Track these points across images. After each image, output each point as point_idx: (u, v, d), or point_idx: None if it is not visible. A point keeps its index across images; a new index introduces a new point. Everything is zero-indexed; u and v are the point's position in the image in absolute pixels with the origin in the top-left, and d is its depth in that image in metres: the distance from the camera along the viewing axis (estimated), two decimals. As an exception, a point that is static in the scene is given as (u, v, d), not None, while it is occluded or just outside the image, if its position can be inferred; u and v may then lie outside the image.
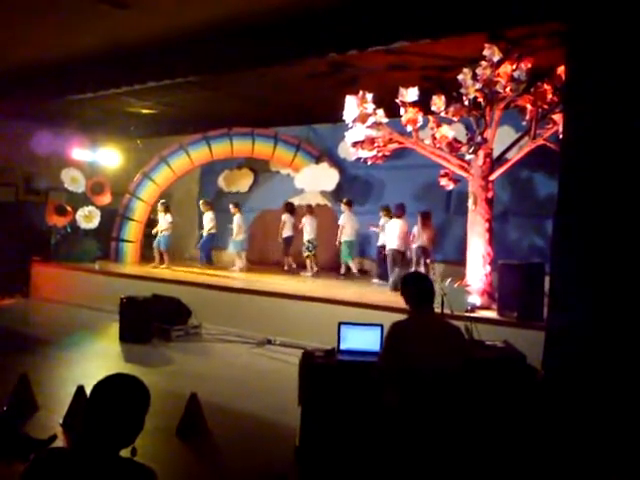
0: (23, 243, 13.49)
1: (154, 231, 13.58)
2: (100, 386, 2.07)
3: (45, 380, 6.78)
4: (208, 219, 13.68)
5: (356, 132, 9.48)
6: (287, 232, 13.23)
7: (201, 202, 14.09)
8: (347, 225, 12.47)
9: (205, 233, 13.75)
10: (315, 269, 12.90)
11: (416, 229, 11.05)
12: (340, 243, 12.52)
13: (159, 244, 13.43)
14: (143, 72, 9.52)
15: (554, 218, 5.39)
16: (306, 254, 12.98)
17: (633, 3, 4.79)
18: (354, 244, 12.71)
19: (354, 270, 12.60)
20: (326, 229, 13.64)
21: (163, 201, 13.74)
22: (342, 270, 12.79)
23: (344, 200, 12.75)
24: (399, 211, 11.32)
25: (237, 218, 13.45)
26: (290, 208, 13.44)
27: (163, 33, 8.32)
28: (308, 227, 12.95)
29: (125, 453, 2.06)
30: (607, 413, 4.37)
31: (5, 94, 11.57)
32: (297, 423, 4.94)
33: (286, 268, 13.41)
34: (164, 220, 13.37)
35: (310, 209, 13.34)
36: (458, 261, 10.21)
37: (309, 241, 12.92)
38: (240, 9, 7.40)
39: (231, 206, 13.61)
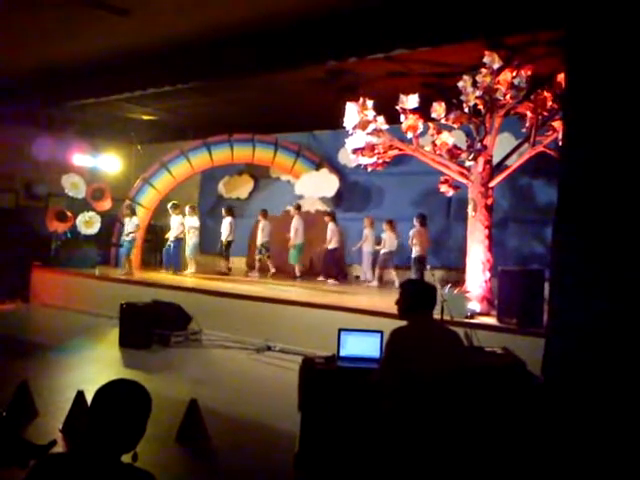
0: (24, 248, 13.49)
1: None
2: (102, 391, 2.08)
3: (45, 385, 6.77)
4: (177, 223, 13.25)
5: (356, 139, 9.50)
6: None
7: (169, 205, 13.49)
8: (299, 229, 12.94)
9: (172, 238, 13.26)
10: (272, 270, 13.40)
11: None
12: (293, 247, 13.02)
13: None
14: (144, 78, 9.58)
15: (553, 224, 5.40)
16: (258, 257, 13.47)
17: (631, 9, 4.81)
18: (303, 248, 13.16)
19: (297, 273, 13.07)
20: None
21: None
22: (297, 272, 13.15)
23: (295, 206, 13.29)
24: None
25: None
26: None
27: (163, 40, 8.39)
28: (262, 231, 13.37)
29: (127, 458, 2.07)
30: (607, 419, 4.37)
31: (6, 100, 11.62)
32: (297, 429, 4.93)
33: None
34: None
35: (264, 213, 13.58)
36: (458, 267, 10.22)
37: (262, 244, 13.36)
38: (240, 17, 7.47)
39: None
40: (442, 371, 3.58)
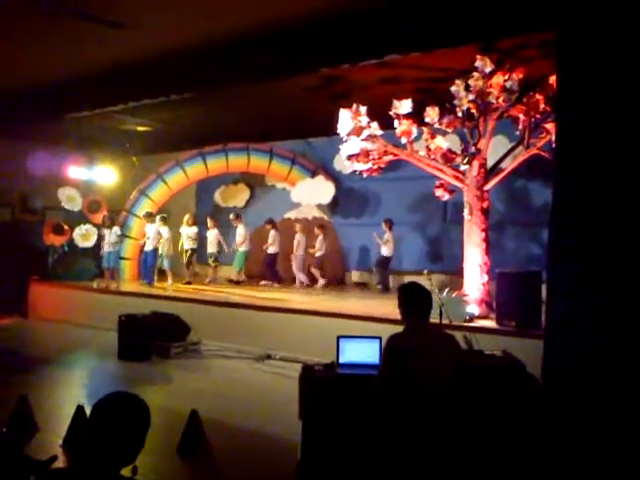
0: (21, 262, 13.48)
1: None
2: (100, 405, 2.08)
3: (44, 400, 6.75)
4: (153, 233, 13.03)
5: (351, 145, 9.52)
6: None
7: (143, 214, 13.41)
8: (245, 237, 13.48)
9: (149, 248, 13.02)
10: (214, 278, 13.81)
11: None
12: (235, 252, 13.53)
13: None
14: (136, 90, 9.59)
15: (549, 226, 5.41)
16: (215, 264, 13.86)
17: (624, 9, 4.83)
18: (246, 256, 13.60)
19: (234, 279, 13.59)
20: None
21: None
22: (242, 277, 13.76)
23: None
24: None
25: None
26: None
27: (155, 51, 8.41)
28: (213, 239, 13.77)
29: (127, 472, 2.07)
30: (608, 421, 4.37)
31: (1, 115, 11.63)
32: (298, 437, 4.92)
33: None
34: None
35: (213, 220, 13.95)
36: (455, 271, 10.23)
37: (212, 253, 13.74)
38: (230, 27, 7.49)
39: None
40: (439, 375, 3.58)
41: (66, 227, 13.90)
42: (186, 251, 13.54)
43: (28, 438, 5.48)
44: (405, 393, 3.62)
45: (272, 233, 13.37)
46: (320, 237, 13.19)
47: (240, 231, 13.47)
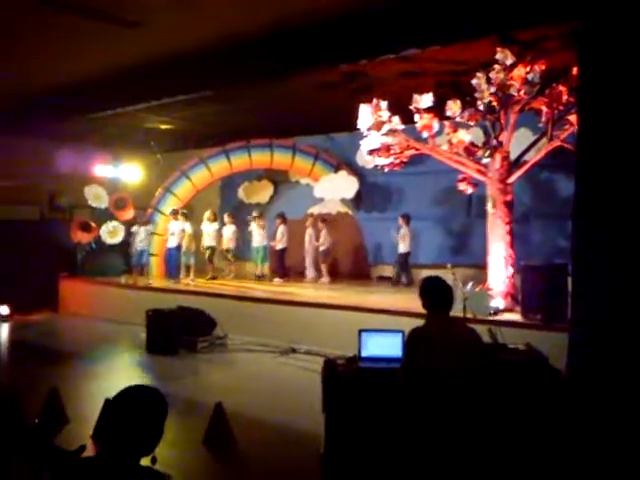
0: (50, 260, 13.75)
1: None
2: (118, 398, 2.15)
3: (75, 393, 6.92)
4: (177, 230, 13.22)
5: (371, 140, 9.53)
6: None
7: (169, 211, 13.67)
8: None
9: (173, 244, 13.23)
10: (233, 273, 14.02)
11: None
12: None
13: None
14: (158, 88, 9.71)
15: (572, 218, 5.39)
16: (232, 260, 14.09)
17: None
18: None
19: (259, 274, 13.67)
20: (347, 236, 13.83)
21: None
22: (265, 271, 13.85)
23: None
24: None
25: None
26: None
27: (175, 50, 8.48)
28: (231, 235, 13.95)
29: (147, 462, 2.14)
30: (632, 415, 4.35)
31: (29, 115, 11.87)
32: (322, 430, 4.98)
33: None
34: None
35: (231, 217, 14.10)
36: (481, 265, 10.19)
37: (229, 249, 13.96)
38: (249, 23, 7.53)
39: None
40: (459, 368, 3.61)
41: (93, 225, 14.14)
42: (207, 248, 13.67)
43: (59, 429, 5.62)
44: (426, 385, 3.65)
45: (281, 228, 13.42)
46: (324, 231, 13.21)
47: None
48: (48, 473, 2.33)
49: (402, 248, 12.31)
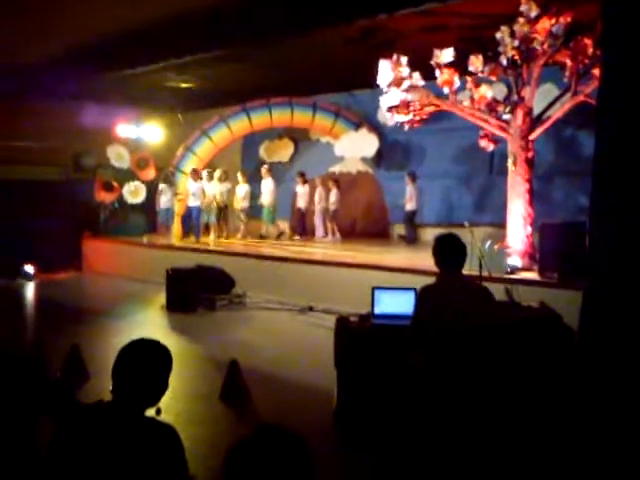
0: (74, 220, 13.95)
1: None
2: (124, 351, 2.19)
3: (96, 349, 7.07)
4: (197, 190, 13.22)
5: (391, 96, 9.35)
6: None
7: (189, 170, 13.58)
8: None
9: (194, 204, 13.21)
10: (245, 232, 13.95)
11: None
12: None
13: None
14: (178, 47, 9.64)
15: (592, 177, 5.27)
16: (246, 220, 13.97)
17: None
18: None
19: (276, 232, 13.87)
20: (367, 194, 13.77)
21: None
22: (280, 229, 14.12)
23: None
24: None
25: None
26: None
27: (195, 7, 8.38)
28: (245, 195, 13.92)
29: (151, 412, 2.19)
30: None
31: (53, 73, 11.89)
32: (335, 386, 5.05)
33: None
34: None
35: (245, 175, 14.12)
36: (502, 223, 10.08)
37: (243, 208, 13.89)
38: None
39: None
40: (467, 325, 3.60)
41: (115, 184, 14.26)
42: (220, 207, 13.74)
43: (80, 384, 5.78)
44: (433, 341, 3.66)
45: (304, 187, 13.57)
46: (334, 190, 13.19)
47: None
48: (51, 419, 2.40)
49: (409, 206, 12.35)
